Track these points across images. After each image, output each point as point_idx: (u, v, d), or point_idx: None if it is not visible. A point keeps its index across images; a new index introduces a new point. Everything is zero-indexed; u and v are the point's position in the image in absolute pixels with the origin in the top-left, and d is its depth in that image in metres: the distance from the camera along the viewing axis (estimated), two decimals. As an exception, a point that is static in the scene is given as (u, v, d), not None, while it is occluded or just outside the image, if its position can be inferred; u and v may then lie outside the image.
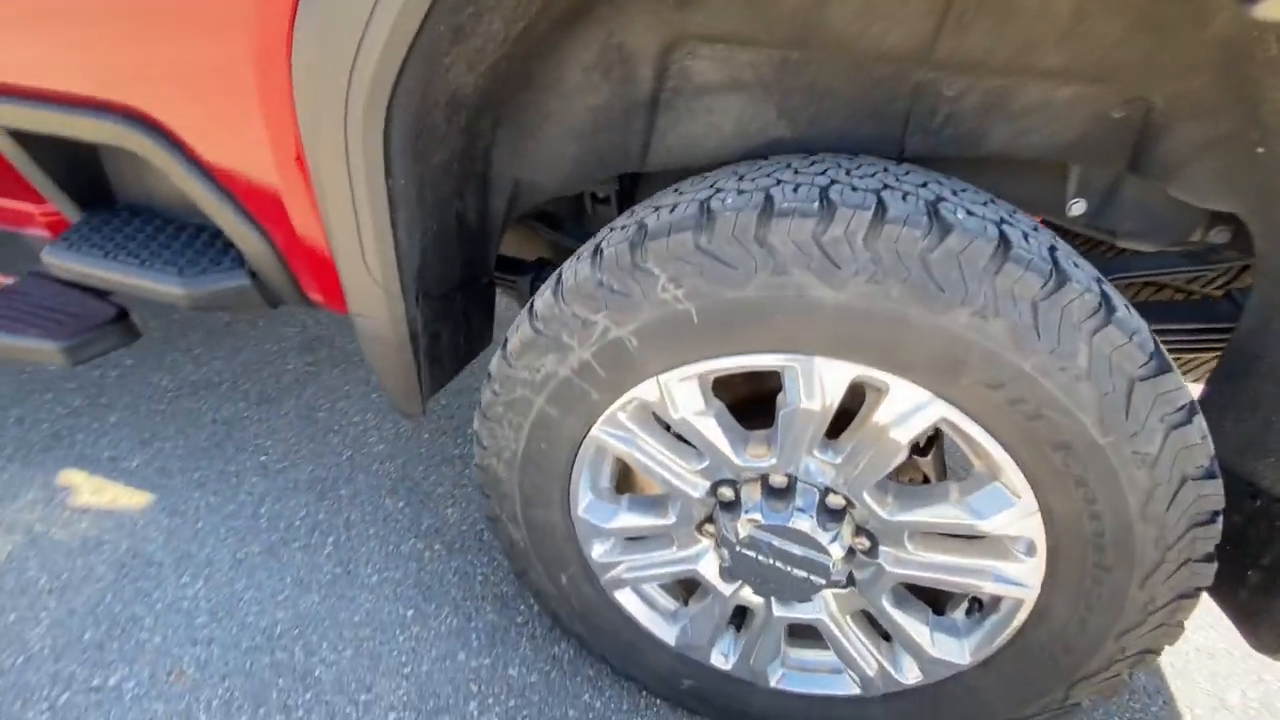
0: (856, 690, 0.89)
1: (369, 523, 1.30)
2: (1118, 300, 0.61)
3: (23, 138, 0.87)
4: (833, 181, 0.65)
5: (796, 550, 0.77)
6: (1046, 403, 0.60)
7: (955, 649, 0.82)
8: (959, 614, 0.87)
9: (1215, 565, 0.66)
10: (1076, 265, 0.62)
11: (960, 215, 0.60)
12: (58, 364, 0.98)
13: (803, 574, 0.78)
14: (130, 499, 1.31)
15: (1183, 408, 0.60)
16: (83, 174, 0.91)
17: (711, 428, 0.75)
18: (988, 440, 0.65)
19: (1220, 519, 0.63)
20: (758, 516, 0.77)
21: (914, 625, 0.82)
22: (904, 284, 0.59)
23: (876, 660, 0.86)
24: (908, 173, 0.69)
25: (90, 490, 1.33)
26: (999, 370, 0.60)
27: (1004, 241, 0.58)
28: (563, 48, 0.81)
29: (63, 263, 0.90)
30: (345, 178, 0.69)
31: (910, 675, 0.85)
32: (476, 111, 0.83)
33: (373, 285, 0.78)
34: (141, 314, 1.07)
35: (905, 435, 0.67)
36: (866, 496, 0.73)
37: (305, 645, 1.09)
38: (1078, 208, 0.82)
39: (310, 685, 1.04)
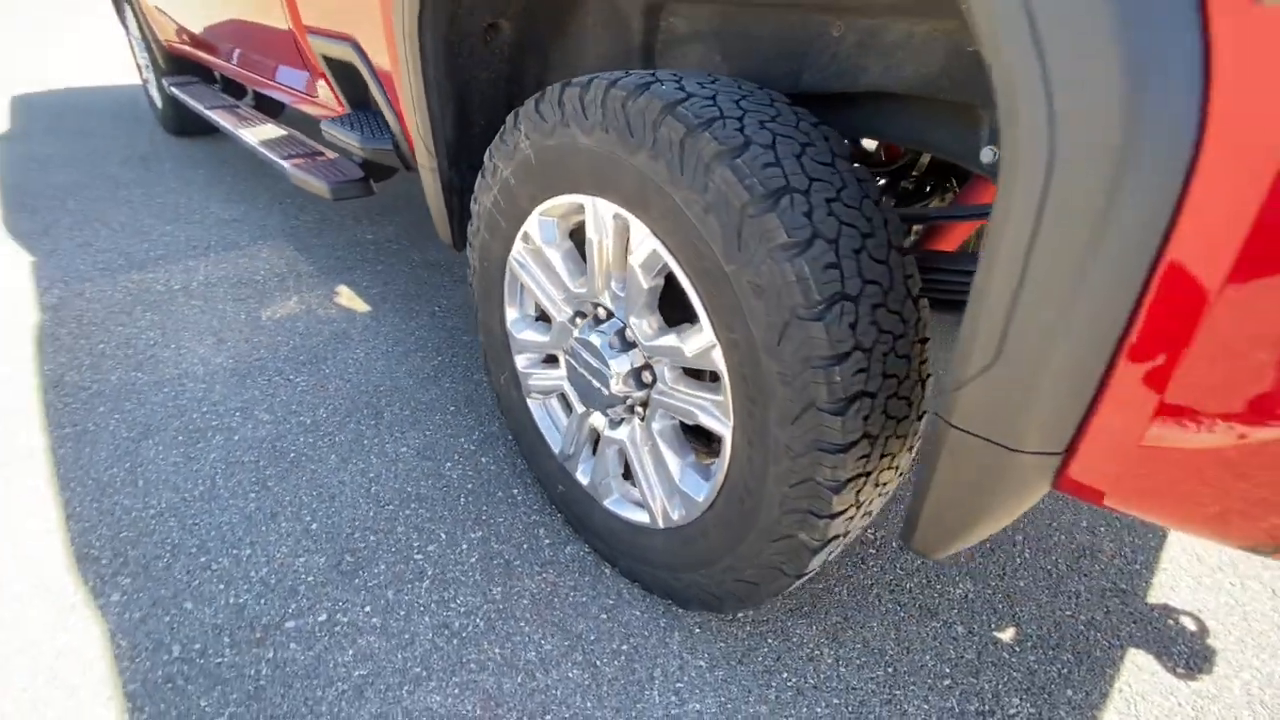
0: (647, 521, 1.06)
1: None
2: (759, 145, 0.71)
3: (327, 60, 1.60)
4: (656, 80, 0.88)
5: (594, 362, 1.00)
6: (693, 233, 0.75)
7: (697, 487, 0.94)
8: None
9: (842, 419, 0.70)
10: (749, 123, 0.74)
11: (666, 87, 0.78)
12: (326, 198, 1.73)
13: (598, 385, 1.00)
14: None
15: (788, 245, 0.68)
16: (347, 84, 1.61)
17: (558, 260, 1.03)
18: (678, 270, 0.80)
19: (840, 366, 0.69)
20: (579, 334, 1.02)
21: (674, 461, 0.97)
22: (614, 130, 0.80)
23: (660, 495, 1.02)
24: (714, 80, 0.87)
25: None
26: (665, 202, 0.77)
27: (677, 102, 0.75)
28: (578, 5, 1.16)
29: (328, 130, 1.63)
30: (405, 69, 1.18)
31: (677, 513, 0.99)
32: (519, 48, 1.24)
33: (420, 144, 1.27)
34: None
35: (638, 262, 0.86)
36: (634, 320, 0.93)
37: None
38: (988, 155, 0.86)
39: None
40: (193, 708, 0.97)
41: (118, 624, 1.08)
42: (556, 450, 1.22)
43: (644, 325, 0.92)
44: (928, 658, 1.08)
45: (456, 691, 1.00)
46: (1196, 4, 0.40)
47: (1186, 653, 1.12)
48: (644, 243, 0.84)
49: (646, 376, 0.97)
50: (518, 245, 1.09)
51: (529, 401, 1.26)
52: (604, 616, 1.12)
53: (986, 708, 1.01)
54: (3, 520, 1.25)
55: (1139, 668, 1.09)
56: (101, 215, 2.54)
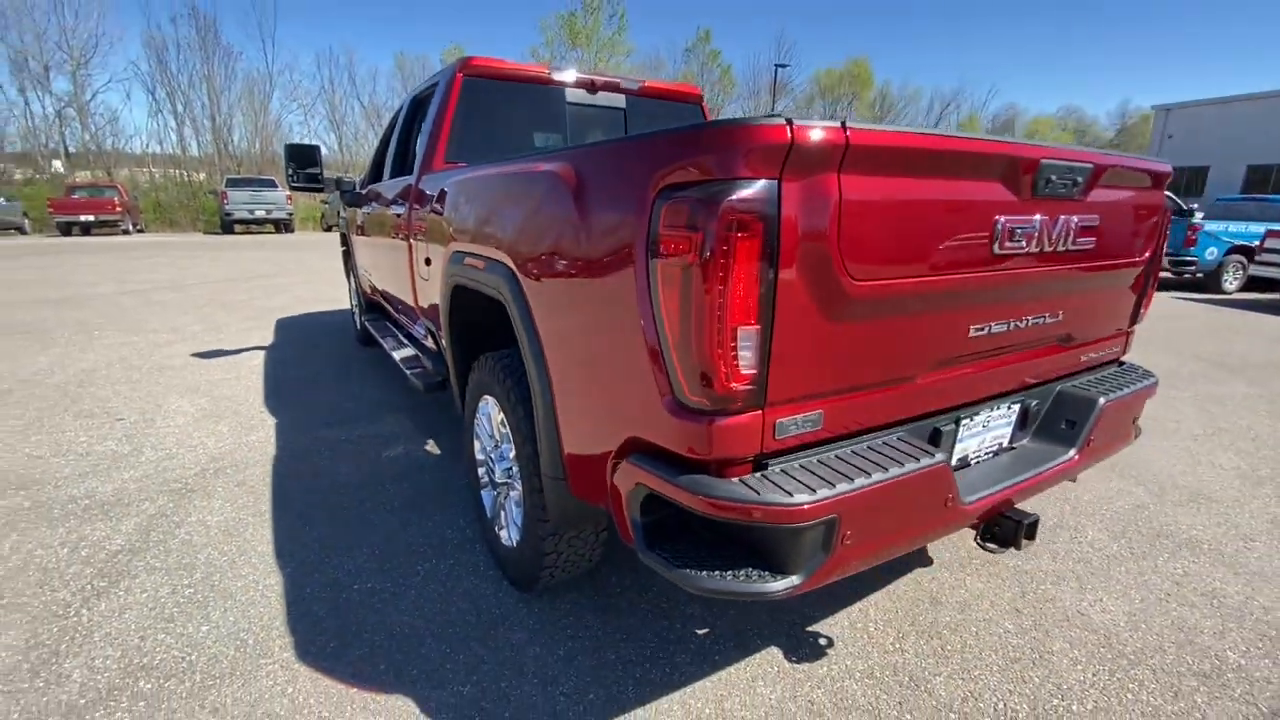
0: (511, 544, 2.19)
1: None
2: None
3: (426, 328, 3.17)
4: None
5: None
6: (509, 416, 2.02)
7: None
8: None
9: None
10: None
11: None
12: (421, 389, 3.21)
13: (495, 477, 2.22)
14: (437, 452, 3.51)
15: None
16: (434, 340, 3.16)
17: (485, 425, 2.33)
18: (510, 432, 2.06)
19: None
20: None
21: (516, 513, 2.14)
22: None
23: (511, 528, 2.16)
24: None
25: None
26: (503, 403, 2.06)
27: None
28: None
29: (424, 360, 3.16)
30: (446, 340, 2.64)
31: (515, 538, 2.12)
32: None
33: (452, 373, 2.70)
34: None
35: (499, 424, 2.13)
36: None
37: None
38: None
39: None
40: None
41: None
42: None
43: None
44: (642, 630, 2.03)
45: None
46: None
47: (796, 640, 1.96)
48: (502, 418, 2.11)
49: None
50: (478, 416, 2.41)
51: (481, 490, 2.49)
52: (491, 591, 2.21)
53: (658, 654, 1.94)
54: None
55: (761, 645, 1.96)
56: (313, 396, 4.32)
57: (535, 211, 1.61)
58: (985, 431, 1.73)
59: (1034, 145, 1.44)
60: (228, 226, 20.63)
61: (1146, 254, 1.91)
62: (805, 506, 1.18)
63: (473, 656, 1.89)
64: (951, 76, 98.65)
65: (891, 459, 1.32)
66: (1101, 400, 1.81)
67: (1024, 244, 1.46)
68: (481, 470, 2.39)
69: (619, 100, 3.38)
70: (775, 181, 1.07)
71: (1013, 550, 1.67)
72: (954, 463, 1.66)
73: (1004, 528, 1.66)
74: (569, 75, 3.19)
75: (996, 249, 1.40)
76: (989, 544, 1.69)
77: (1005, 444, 1.80)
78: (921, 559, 2.43)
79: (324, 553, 2.43)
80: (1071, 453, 1.78)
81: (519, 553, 2.08)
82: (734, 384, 1.15)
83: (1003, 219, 1.39)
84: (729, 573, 1.24)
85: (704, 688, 1.80)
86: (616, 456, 1.37)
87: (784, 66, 35.47)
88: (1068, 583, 2.29)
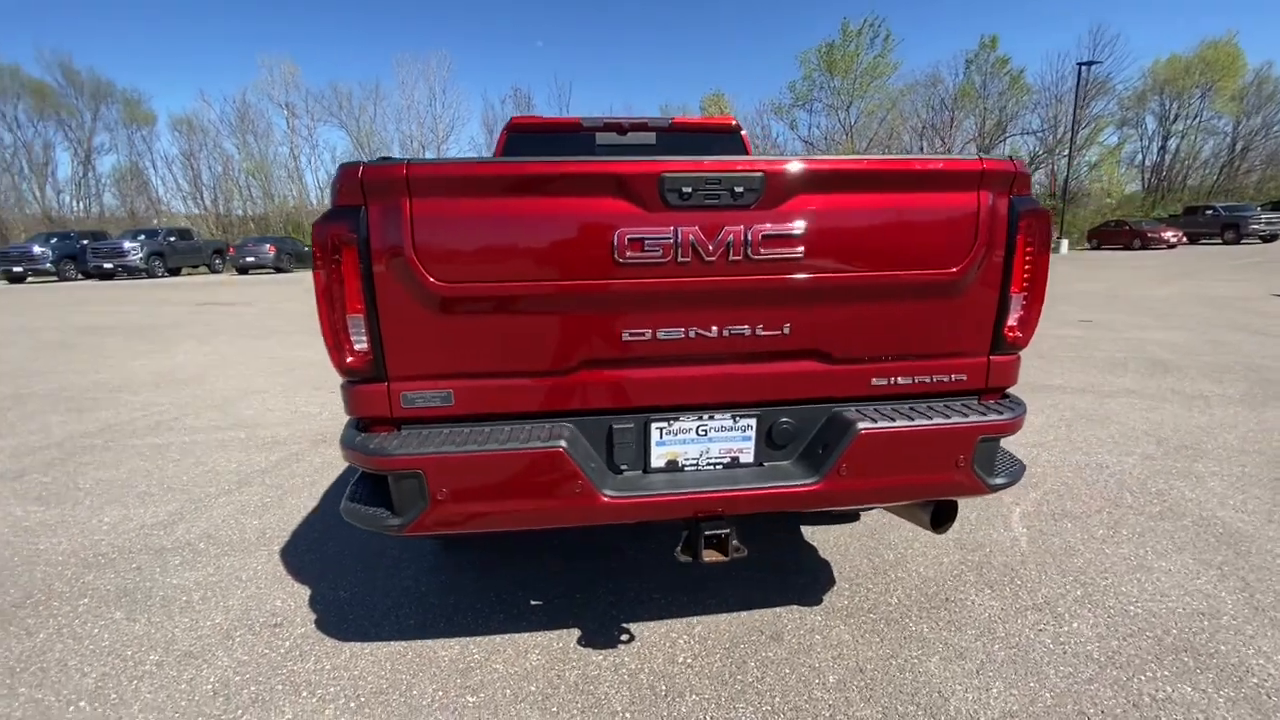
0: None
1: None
2: None
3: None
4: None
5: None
6: None
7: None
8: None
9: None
10: None
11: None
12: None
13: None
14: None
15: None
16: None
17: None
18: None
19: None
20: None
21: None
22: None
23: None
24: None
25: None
26: None
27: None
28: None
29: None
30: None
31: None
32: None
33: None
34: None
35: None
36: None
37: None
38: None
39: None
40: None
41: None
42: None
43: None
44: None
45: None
46: None
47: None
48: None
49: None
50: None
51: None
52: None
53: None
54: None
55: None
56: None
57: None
58: (706, 440, 1.66)
59: (644, 161, 1.43)
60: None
61: (957, 267, 1.59)
62: (387, 458, 1.47)
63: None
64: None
65: (504, 438, 1.51)
66: (858, 426, 1.58)
67: (661, 254, 1.45)
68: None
69: (649, 138, 3.73)
70: (361, 208, 1.43)
71: (704, 560, 1.64)
72: (660, 465, 1.67)
73: (693, 537, 1.62)
74: (598, 121, 3.66)
75: (619, 259, 1.46)
76: (680, 552, 1.67)
77: (746, 459, 1.70)
78: (809, 594, 2.23)
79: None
80: (813, 479, 1.61)
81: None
82: (350, 359, 1.51)
83: (623, 231, 1.44)
84: (371, 509, 1.58)
85: (491, 642, 2.05)
86: None
87: (1093, 64, 29.68)
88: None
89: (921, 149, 36.67)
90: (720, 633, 2.07)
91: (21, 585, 2.43)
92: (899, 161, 1.55)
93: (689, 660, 1.94)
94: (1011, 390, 1.81)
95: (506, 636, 2.08)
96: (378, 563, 2.55)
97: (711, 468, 1.69)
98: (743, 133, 3.75)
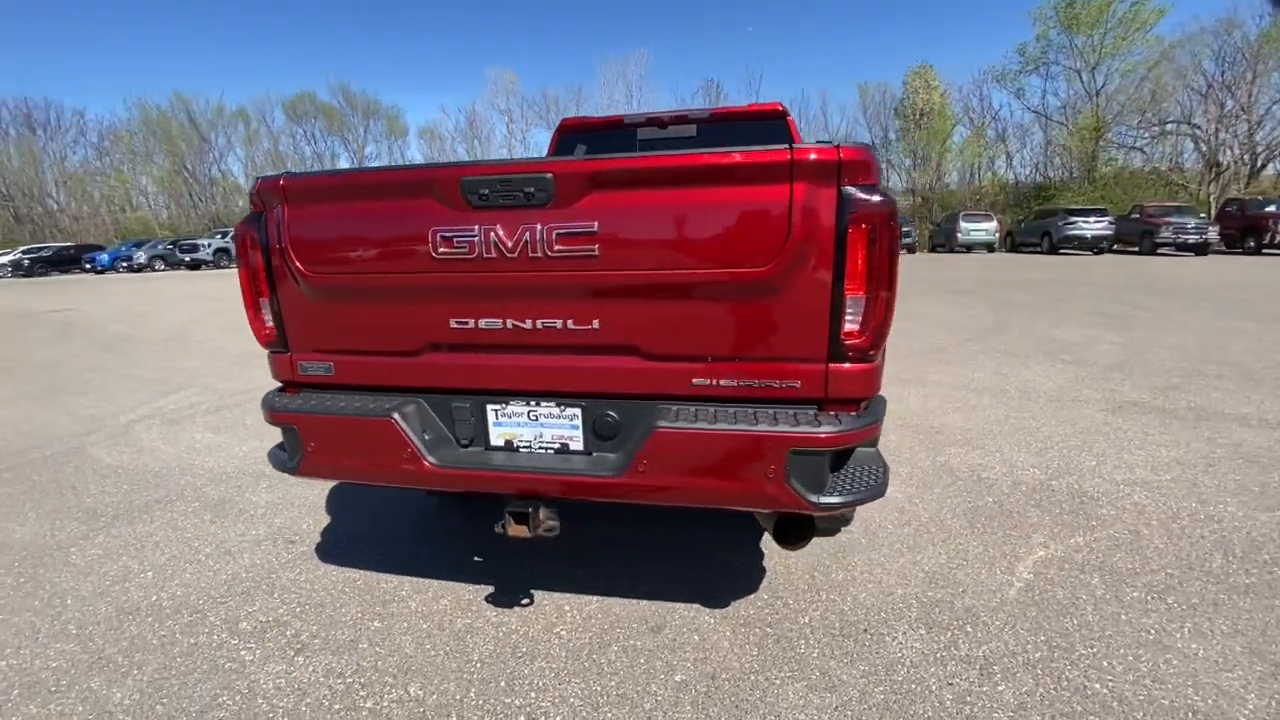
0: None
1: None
2: None
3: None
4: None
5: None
6: None
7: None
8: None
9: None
10: None
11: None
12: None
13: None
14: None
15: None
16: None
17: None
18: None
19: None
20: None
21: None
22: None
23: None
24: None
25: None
26: None
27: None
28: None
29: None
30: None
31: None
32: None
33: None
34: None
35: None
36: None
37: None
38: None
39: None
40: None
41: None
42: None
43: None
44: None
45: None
46: None
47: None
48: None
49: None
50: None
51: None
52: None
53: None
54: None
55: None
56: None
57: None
58: (539, 425, 1.73)
59: (448, 167, 1.57)
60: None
61: (768, 266, 1.42)
62: (274, 413, 1.82)
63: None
64: None
65: (354, 406, 1.77)
66: (657, 424, 1.53)
67: (469, 251, 1.56)
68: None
69: (689, 130, 3.72)
70: (263, 214, 1.77)
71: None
72: (499, 443, 1.79)
73: (518, 512, 1.72)
74: (640, 117, 3.76)
75: (434, 254, 1.59)
76: (499, 525, 1.78)
77: (576, 447, 1.73)
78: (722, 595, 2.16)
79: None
80: (615, 473, 1.60)
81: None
82: (263, 333, 1.88)
83: (436, 229, 1.58)
84: (280, 453, 1.95)
85: (421, 584, 2.36)
86: None
87: None
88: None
89: (1204, 113, 29.29)
90: (608, 614, 2.14)
91: (166, 489, 3.36)
92: (694, 156, 1.48)
93: (562, 632, 2.06)
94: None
95: (438, 583, 2.38)
96: (389, 512, 3.02)
97: (544, 451, 1.78)
98: (789, 117, 3.56)
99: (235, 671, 1.92)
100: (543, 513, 1.75)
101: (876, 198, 1.43)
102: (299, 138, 46.58)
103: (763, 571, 2.38)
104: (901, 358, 5.75)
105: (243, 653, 2.01)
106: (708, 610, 2.14)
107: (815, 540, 2.54)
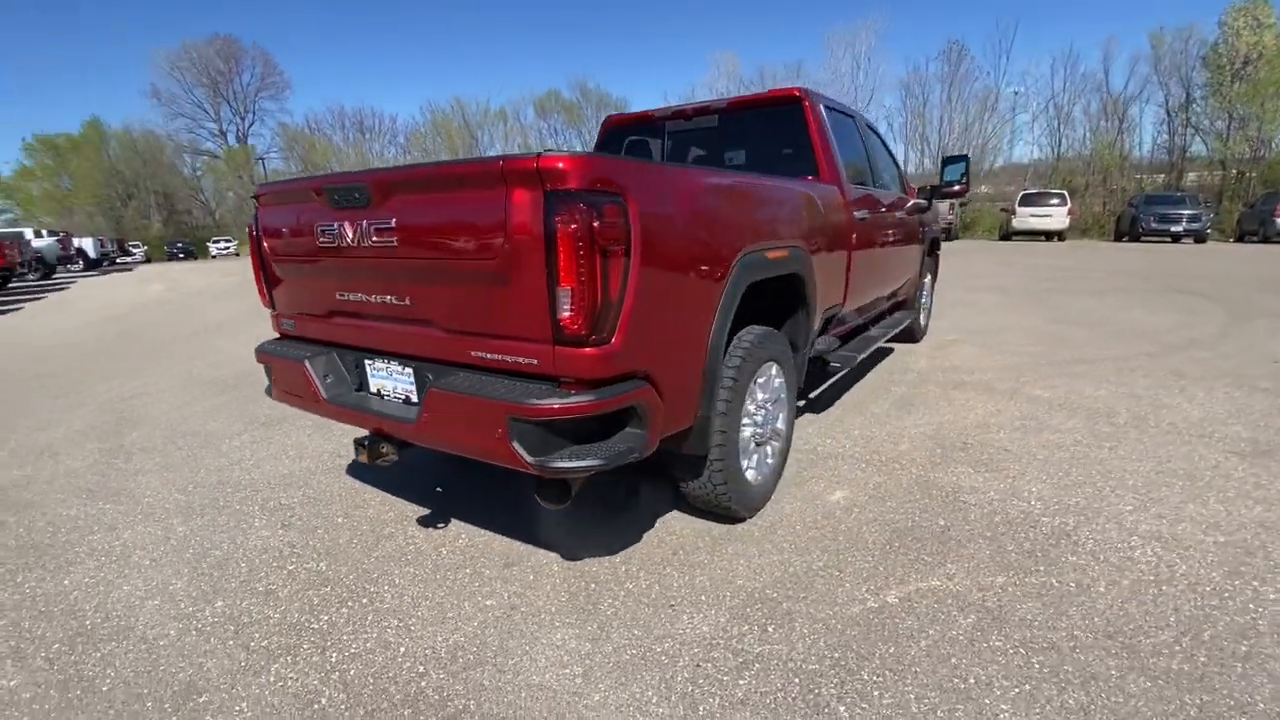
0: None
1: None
2: None
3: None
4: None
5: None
6: None
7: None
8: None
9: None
10: None
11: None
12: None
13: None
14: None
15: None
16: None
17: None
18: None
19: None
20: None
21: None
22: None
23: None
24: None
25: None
26: None
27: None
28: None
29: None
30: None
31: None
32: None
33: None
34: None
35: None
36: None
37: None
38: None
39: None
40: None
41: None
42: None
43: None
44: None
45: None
46: None
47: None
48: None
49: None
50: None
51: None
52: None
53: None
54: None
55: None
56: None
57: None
58: (391, 379, 2.17)
59: (321, 177, 2.06)
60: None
61: (494, 259, 1.64)
62: (258, 353, 2.57)
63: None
64: None
65: (289, 351, 2.41)
66: (432, 385, 1.87)
67: (334, 241, 2.04)
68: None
69: (711, 121, 3.79)
70: (255, 211, 2.50)
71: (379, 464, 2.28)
72: (375, 391, 2.29)
73: (359, 441, 2.23)
74: (667, 111, 3.93)
75: (318, 242, 2.11)
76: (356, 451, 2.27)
77: (414, 400, 2.13)
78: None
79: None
80: (412, 422, 1.98)
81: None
82: (261, 297, 2.64)
83: (317, 223, 2.10)
84: (269, 383, 2.71)
85: (391, 501, 3.02)
86: None
87: None
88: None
89: None
90: (486, 547, 2.55)
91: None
92: (441, 166, 1.79)
93: (444, 551, 2.53)
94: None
95: (401, 502, 3.02)
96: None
97: (396, 400, 2.25)
98: (805, 102, 3.42)
99: (244, 530, 2.78)
100: (384, 447, 2.23)
101: (580, 202, 1.59)
102: (544, 132, 52.79)
103: (639, 541, 2.56)
104: (1025, 366, 4.97)
105: (256, 521, 2.87)
106: (561, 563, 2.43)
107: (707, 523, 2.64)
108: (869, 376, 4.89)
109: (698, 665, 1.85)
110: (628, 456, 1.81)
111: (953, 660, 1.82)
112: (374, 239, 2.00)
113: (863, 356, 3.72)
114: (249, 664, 1.93)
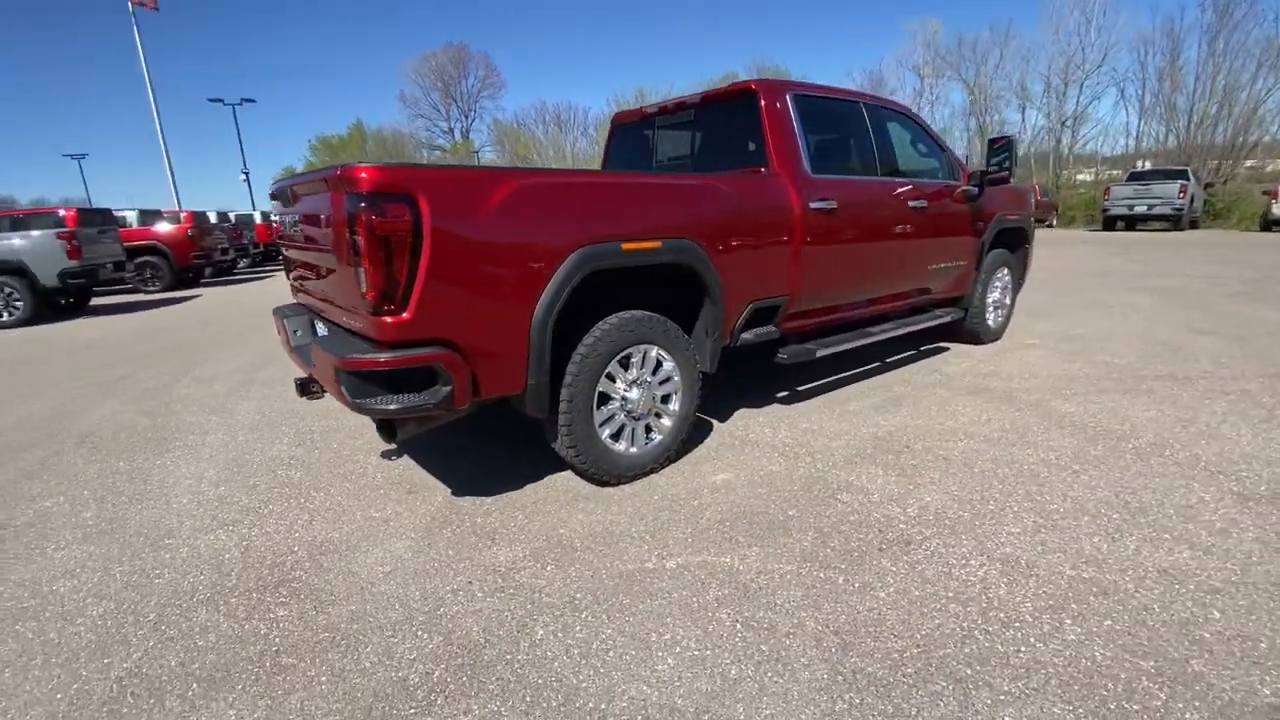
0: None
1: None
2: None
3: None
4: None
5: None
6: None
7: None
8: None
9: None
10: None
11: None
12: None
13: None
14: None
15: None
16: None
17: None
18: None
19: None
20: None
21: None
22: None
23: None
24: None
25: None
26: None
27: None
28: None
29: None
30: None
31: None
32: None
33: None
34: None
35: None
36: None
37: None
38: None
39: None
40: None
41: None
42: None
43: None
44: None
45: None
46: None
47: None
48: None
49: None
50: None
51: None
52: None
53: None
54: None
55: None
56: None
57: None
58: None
59: (291, 179, 2.67)
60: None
61: (339, 246, 2.15)
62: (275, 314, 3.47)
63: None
64: None
65: (281, 311, 3.22)
66: (315, 344, 2.47)
67: (290, 228, 2.73)
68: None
69: (689, 115, 3.95)
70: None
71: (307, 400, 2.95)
72: (321, 334, 2.99)
73: (302, 383, 2.93)
74: (655, 107, 4.17)
75: (284, 230, 2.84)
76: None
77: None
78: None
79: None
80: (313, 370, 2.63)
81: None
82: (287, 275, 3.52)
83: (282, 214, 2.82)
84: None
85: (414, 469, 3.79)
86: None
87: None
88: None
89: None
90: (408, 478, 3.17)
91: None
92: (312, 173, 2.36)
93: (378, 474, 3.22)
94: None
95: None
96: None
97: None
98: (760, 95, 3.45)
99: (273, 443, 3.75)
100: (313, 386, 2.94)
101: (364, 202, 2.08)
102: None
103: (518, 489, 2.99)
104: (1087, 378, 4.37)
105: (285, 440, 3.84)
106: (447, 497, 2.96)
107: (581, 484, 3.00)
108: (888, 374, 4.65)
109: (470, 581, 2.27)
110: (426, 406, 2.27)
111: (668, 619, 2.01)
112: (296, 229, 2.69)
113: (825, 353, 3.67)
114: (209, 527, 2.77)
